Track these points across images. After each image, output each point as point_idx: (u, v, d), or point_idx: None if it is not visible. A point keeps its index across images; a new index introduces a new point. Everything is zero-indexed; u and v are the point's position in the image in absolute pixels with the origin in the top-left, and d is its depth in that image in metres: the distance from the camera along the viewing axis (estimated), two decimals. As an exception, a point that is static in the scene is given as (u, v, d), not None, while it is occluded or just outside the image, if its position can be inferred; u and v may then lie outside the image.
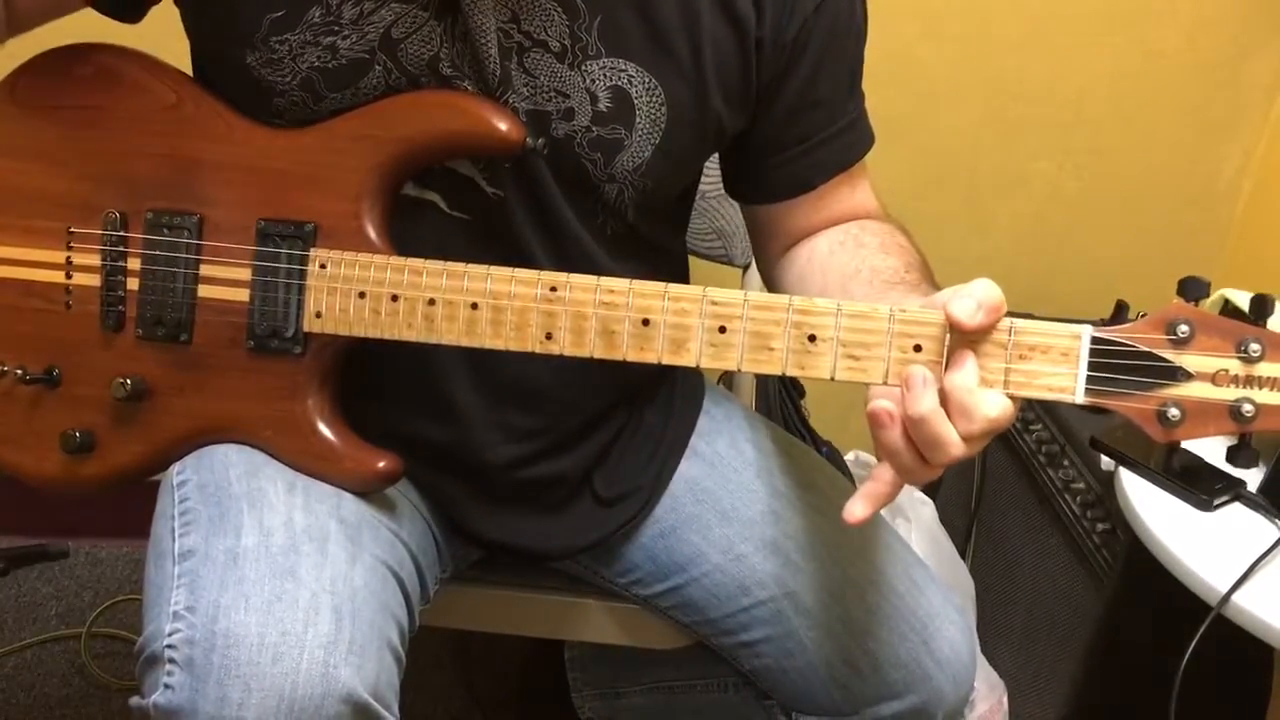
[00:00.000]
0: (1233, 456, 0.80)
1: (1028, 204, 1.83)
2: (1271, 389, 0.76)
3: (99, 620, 1.73)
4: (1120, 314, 1.52)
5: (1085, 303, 1.64)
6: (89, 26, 0.96)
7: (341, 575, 0.85)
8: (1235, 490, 1.20)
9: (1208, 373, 0.76)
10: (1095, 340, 0.77)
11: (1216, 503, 1.19)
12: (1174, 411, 0.76)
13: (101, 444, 0.96)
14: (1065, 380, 0.77)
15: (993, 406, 0.75)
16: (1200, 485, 1.20)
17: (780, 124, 0.97)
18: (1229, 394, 0.76)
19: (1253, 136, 1.81)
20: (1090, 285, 1.74)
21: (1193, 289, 0.80)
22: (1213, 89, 1.78)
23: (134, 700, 0.83)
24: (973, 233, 1.84)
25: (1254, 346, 0.75)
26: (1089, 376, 0.77)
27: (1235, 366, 0.76)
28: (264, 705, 0.77)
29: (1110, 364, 0.77)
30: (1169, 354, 0.76)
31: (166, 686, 0.79)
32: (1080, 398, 0.77)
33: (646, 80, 0.91)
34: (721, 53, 0.92)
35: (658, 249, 1.04)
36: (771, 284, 1.08)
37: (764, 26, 0.93)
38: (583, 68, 0.91)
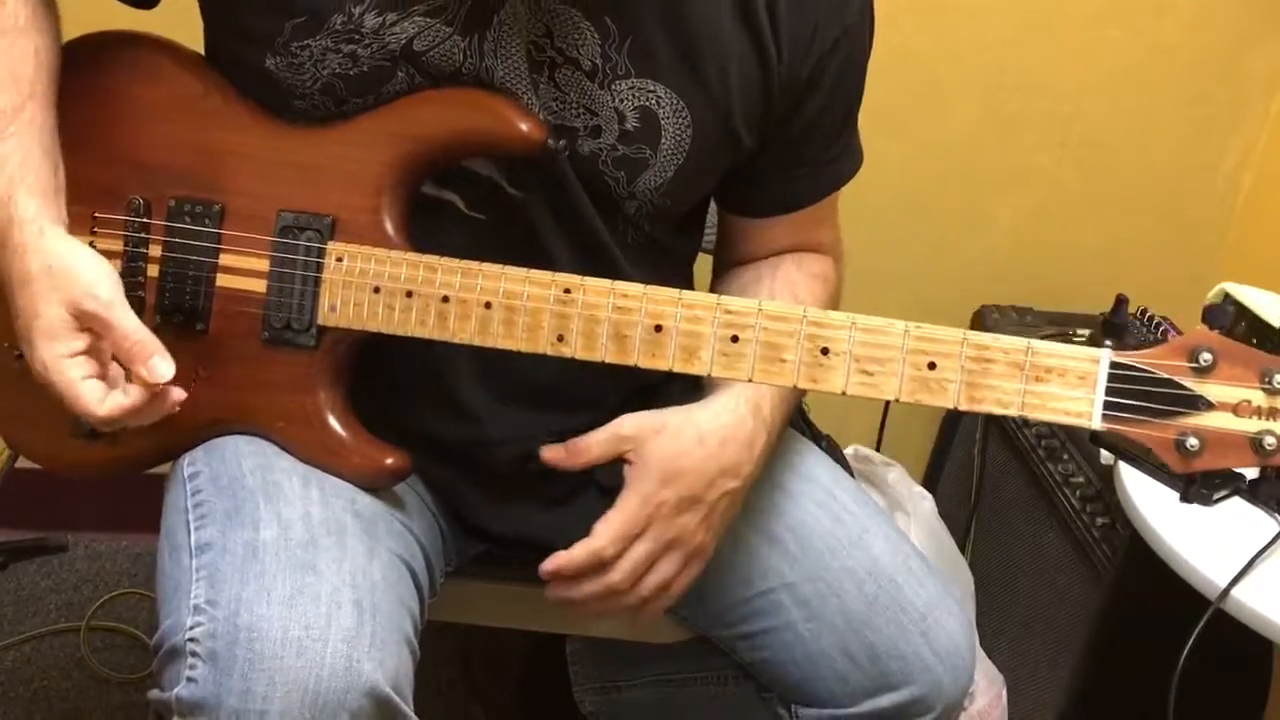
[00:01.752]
0: (1255, 489, 0.80)
1: (1027, 198, 1.83)
2: None
3: (98, 614, 1.73)
4: (1120, 308, 1.53)
5: (1085, 297, 1.65)
6: (111, 17, 0.96)
7: (361, 569, 0.85)
8: (1235, 484, 1.20)
9: (1230, 403, 0.74)
10: (1114, 365, 0.76)
11: (1216, 497, 1.18)
12: (1193, 441, 0.75)
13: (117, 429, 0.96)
14: (1082, 405, 0.76)
15: None
16: (1200, 479, 1.20)
17: (778, 150, 0.99)
18: (1251, 426, 0.74)
19: (1253, 130, 1.80)
20: (1090, 279, 1.73)
21: (1217, 317, 0.80)
22: (1212, 83, 1.77)
23: (153, 693, 0.83)
24: (972, 227, 1.83)
25: (1278, 378, 0.73)
26: (1106, 402, 0.75)
27: (1258, 398, 0.74)
28: (288, 699, 0.77)
29: (1129, 389, 0.75)
30: (1190, 382, 0.75)
31: (190, 680, 0.79)
32: (1097, 423, 0.76)
33: (674, 102, 0.92)
34: (746, 78, 0.93)
35: (675, 252, 1.06)
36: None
37: (783, 62, 0.94)
38: (612, 87, 0.91)
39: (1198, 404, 0.75)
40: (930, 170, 1.79)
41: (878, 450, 1.78)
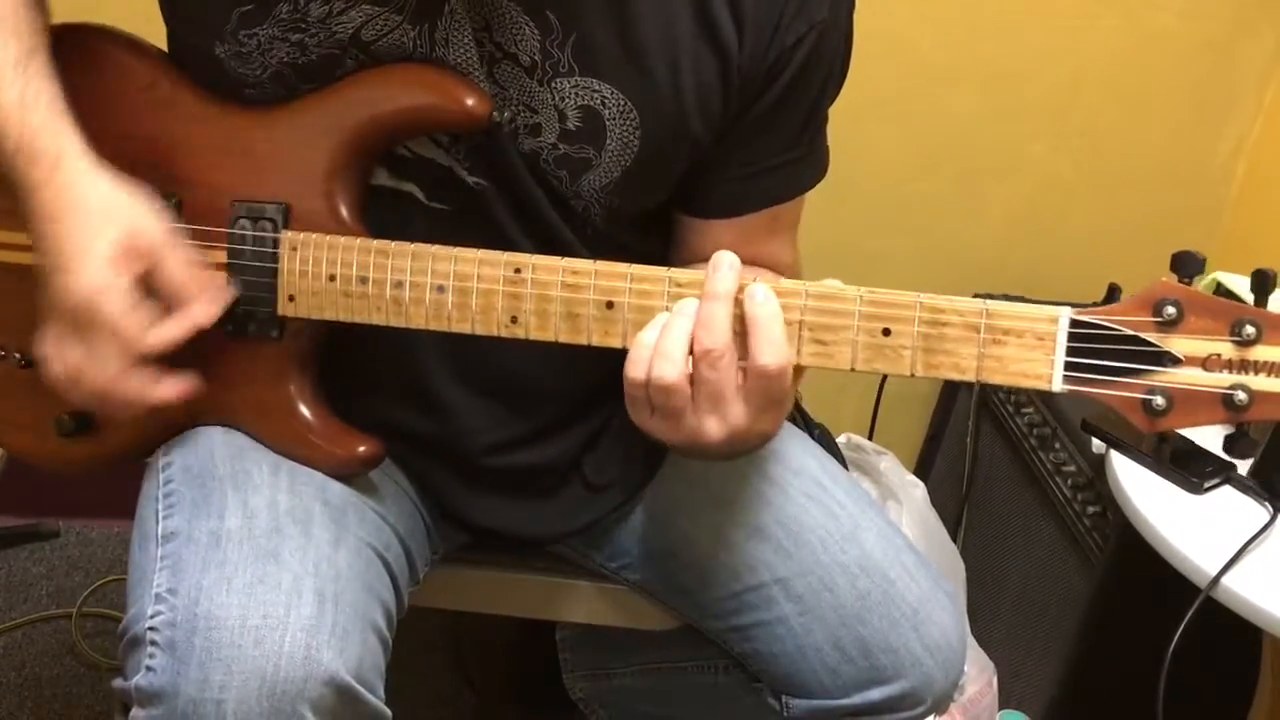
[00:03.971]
0: (1230, 446, 0.75)
1: (1022, 187, 1.83)
2: (1268, 374, 0.70)
3: (89, 600, 1.72)
4: (1113, 297, 1.53)
5: (1079, 286, 1.64)
6: (74, 8, 0.96)
7: (325, 558, 0.84)
8: (1225, 473, 1.20)
9: (1198, 357, 0.71)
10: (1074, 323, 0.72)
11: (1207, 485, 1.19)
12: (1160, 400, 0.71)
13: (98, 425, 0.96)
14: (1041, 367, 0.73)
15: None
16: (1191, 468, 1.20)
17: (728, 145, 0.94)
18: (1221, 380, 0.70)
19: (1247, 119, 1.80)
20: (1084, 268, 1.73)
21: (1187, 265, 0.73)
22: (1207, 71, 1.77)
23: (116, 682, 0.83)
24: (967, 216, 1.83)
25: (1249, 329, 0.70)
26: (1067, 363, 0.72)
27: (1228, 350, 0.70)
28: (245, 687, 0.76)
29: (1091, 349, 0.72)
30: (1155, 337, 0.71)
31: (149, 669, 0.79)
32: (1058, 385, 0.73)
33: (620, 102, 0.89)
34: (702, 76, 0.90)
35: (638, 252, 1.03)
36: None
37: (744, 54, 0.90)
38: (552, 84, 0.89)
39: (1164, 360, 0.71)
40: (924, 158, 1.79)
41: (870, 439, 1.78)
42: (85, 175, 0.85)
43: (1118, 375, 0.72)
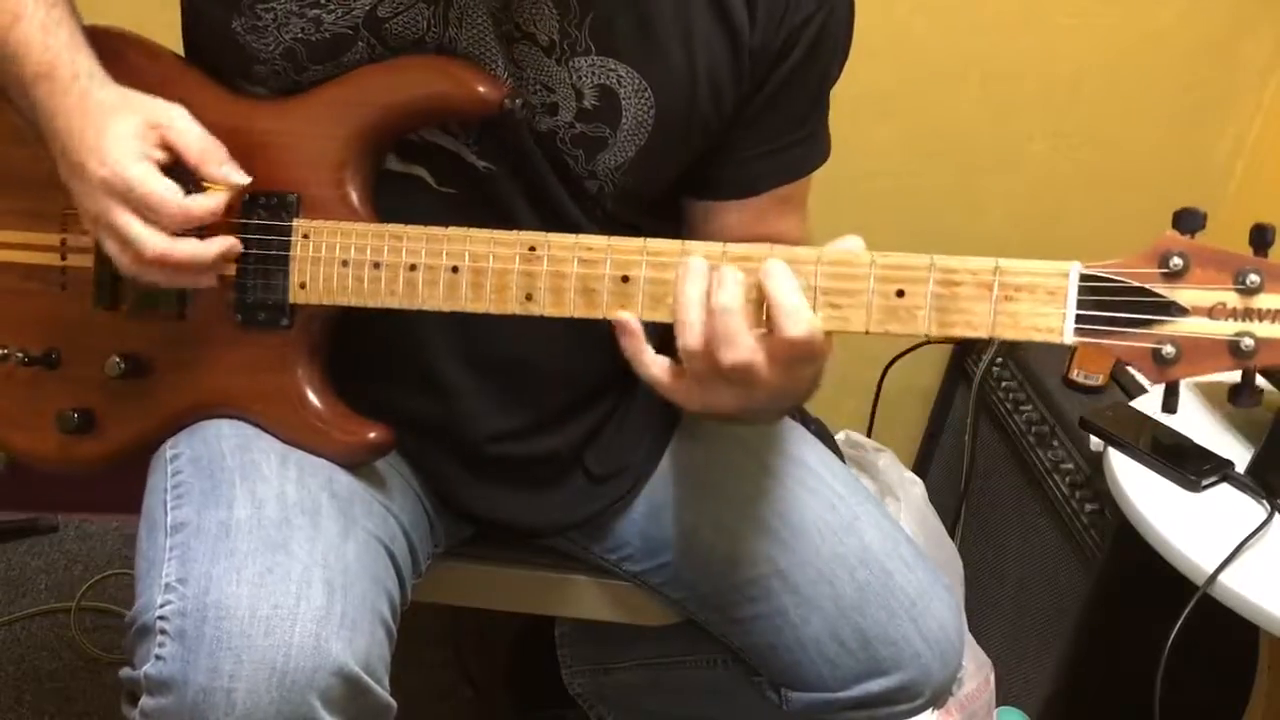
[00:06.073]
0: (1235, 396, 0.76)
1: (1021, 184, 1.83)
2: (1272, 321, 0.72)
3: (88, 594, 1.73)
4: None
5: (1077, 283, 1.64)
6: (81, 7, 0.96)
7: (334, 549, 0.85)
8: (1223, 471, 1.20)
9: (1204, 307, 0.73)
10: (1084, 277, 0.74)
11: (1204, 483, 1.19)
12: (1169, 349, 0.73)
13: (100, 422, 0.96)
14: (1053, 320, 0.75)
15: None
16: (1188, 466, 1.20)
17: (742, 127, 0.96)
18: (1227, 328, 0.72)
19: (1246, 117, 1.80)
20: (1082, 266, 1.73)
21: (1188, 221, 0.75)
22: (1207, 70, 1.77)
23: (124, 671, 0.83)
24: (966, 212, 1.83)
25: (1253, 277, 0.71)
26: (1078, 315, 0.74)
27: (1233, 299, 0.72)
28: (255, 677, 0.77)
29: (1101, 301, 0.74)
30: (1162, 288, 0.73)
31: (158, 658, 0.79)
32: (1069, 338, 0.74)
33: (636, 81, 0.91)
34: (715, 58, 0.91)
35: (647, 231, 1.04)
36: None
37: (755, 36, 0.92)
38: (570, 64, 0.90)
39: (1171, 310, 0.73)
40: (924, 154, 1.79)
41: (868, 436, 1.78)
42: (102, 85, 0.89)
43: (1127, 326, 0.74)
